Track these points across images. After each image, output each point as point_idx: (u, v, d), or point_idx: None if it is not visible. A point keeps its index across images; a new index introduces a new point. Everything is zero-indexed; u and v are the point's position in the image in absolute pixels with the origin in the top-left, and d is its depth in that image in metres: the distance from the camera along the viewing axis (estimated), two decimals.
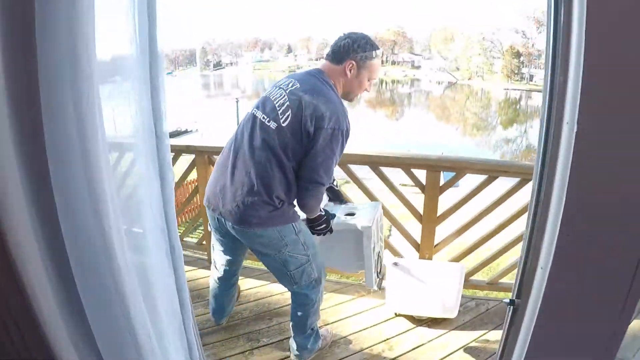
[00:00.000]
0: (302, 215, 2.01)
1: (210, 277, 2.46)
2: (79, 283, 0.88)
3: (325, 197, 2.30)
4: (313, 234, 2.04)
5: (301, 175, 1.82)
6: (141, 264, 1.05)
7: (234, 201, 1.83)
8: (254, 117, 1.86)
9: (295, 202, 1.93)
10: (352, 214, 2.26)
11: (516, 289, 1.29)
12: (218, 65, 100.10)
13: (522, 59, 65.36)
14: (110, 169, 0.86)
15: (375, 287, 2.37)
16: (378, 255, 2.36)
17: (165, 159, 1.08)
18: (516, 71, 65.44)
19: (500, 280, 2.85)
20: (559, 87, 0.98)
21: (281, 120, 1.76)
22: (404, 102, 64.82)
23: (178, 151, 3.34)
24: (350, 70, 1.84)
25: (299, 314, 2.15)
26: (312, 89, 1.77)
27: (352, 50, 1.82)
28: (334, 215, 2.14)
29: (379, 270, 2.38)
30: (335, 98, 1.81)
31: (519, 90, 62.49)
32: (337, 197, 2.40)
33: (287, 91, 1.80)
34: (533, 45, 65.66)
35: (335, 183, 2.36)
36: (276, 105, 1.79)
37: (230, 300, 2.56)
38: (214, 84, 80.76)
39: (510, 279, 3.08)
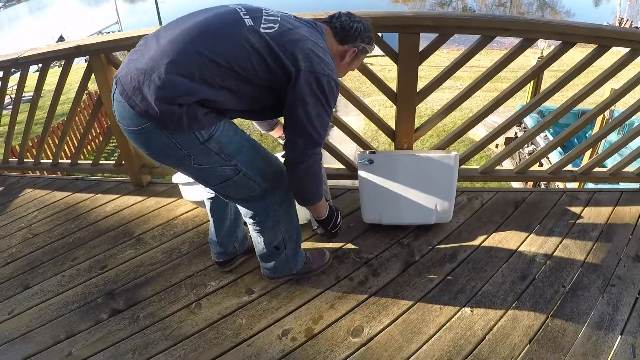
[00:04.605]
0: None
1: None
2: None
3: None
4: (330, 237, 1.81)
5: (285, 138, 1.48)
6: None
7: (134, 80, 1.29)
8: (225, 6, 1.40)
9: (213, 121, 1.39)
10: None
11: None
12: None
13: None
14: None
15: (318, 231, 2.15)
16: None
17: None
18: None
19: (497, 167, 2.32)
20: None
21: (261, 25, 1.33)
22: None
23: (67, 56, 2.51)
24: (349, 56, 1.56)
25: (252, 228, 1.75)
26: (311, 33, 1.42)
27: (360, 38, 1.54)
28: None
29: None
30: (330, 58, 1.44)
31: None
32: None
33: (282, 15, 1.43)
34: None
35: None
36: (264, 13, 1.39)
37: (225, 234, 1.93)
38: None
39: (508, 165, 2.59)
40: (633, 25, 18.47)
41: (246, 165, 1.51)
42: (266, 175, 1.58)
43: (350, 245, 2.09)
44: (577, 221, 2.20)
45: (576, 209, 2.28)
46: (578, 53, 2.03)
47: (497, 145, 7.47)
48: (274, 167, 1.62)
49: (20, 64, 2.65)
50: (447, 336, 1.65)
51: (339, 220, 1.76)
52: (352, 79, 11.47)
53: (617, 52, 2.01)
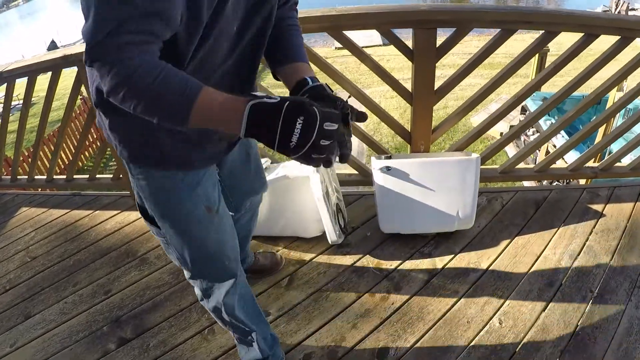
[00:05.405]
0: None
1: None
2: None
3: None
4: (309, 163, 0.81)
5: None
6: None
7: None
8: None
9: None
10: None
11: None
12: None
13: None
14: None
15: (339, 241, 2.00)
16: (337, 206, 2.01)
17: None
18: None
19: (517, 167, 2.21)
20: None
21: None
22: None
23: (54, 67, 2.34)
24: None
25: None
26: None
27: None
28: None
29: (342, 225, 2.02)
30: None
31: None
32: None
33: None
34: None
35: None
36: None
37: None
38: None
39: (528, 164, 2.48)
40: (630, 8, 18.31)
41: (171, 235, 1.18)
42: (189, 260, 1.22)
43: (368, 257, 1.98)
44: (600, 219, 2.10)
45: (598, 207, 2.17)
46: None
47: (501, 134, 7.36)
48: (209, 259, 1.24)
49: (5, 78, 2.50)
50: (476, 353, 1.55)
51: (294, 132, 0.72)
52: (351, 70, 11.10)
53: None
